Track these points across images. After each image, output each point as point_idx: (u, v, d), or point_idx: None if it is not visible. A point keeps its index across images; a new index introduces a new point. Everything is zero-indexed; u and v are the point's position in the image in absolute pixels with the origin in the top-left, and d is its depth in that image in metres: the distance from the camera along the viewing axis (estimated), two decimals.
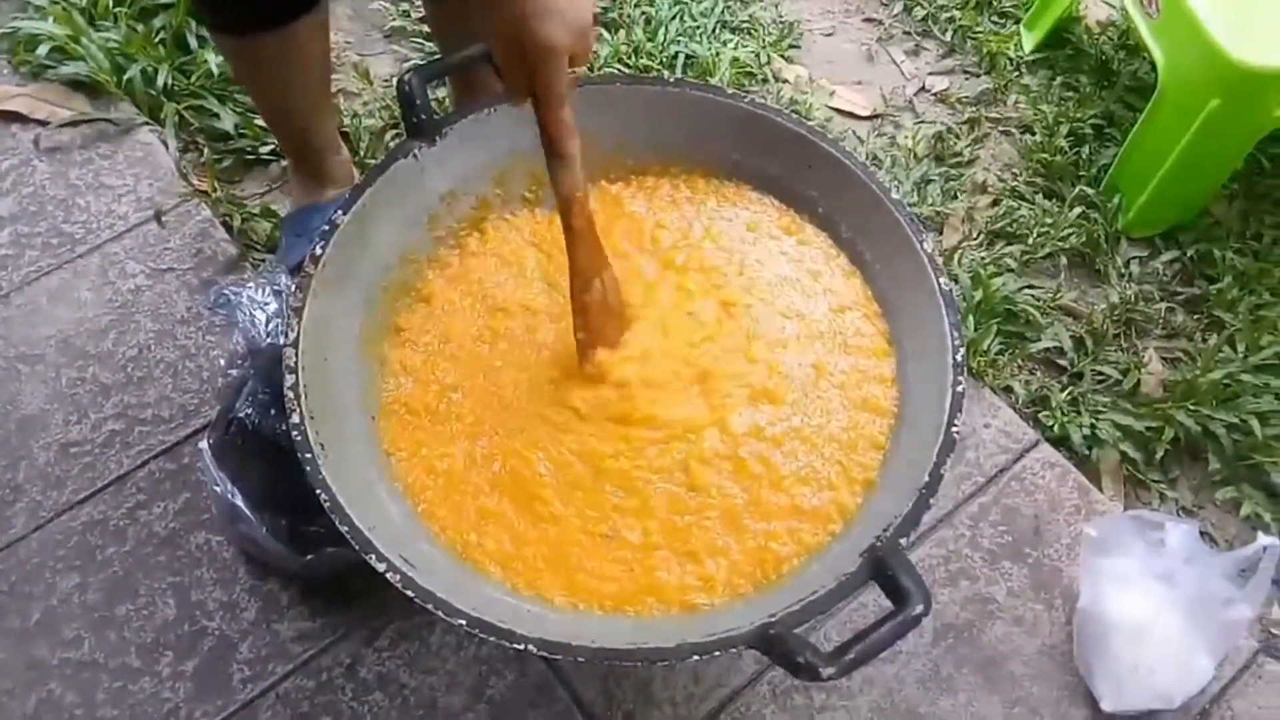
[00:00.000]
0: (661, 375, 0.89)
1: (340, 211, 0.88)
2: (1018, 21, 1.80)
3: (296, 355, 0.81)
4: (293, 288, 0.84)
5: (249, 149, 1.49)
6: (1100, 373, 1.38)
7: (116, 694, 1.07)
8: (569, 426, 0.87)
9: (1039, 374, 1.39)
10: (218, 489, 1.09)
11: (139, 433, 1.24)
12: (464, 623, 0.71)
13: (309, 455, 0.76)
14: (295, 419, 0.78)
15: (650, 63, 1.64)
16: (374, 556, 0.73)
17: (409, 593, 0.72)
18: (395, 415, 0.87)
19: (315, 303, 0.84)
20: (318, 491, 0.75)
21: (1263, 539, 1.08)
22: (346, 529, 0.74)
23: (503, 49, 0.74)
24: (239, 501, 1.08)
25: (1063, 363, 1.40)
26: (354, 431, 0.84)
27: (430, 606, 0.71)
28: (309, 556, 1.07)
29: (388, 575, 0.72)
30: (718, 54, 1.65)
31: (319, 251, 0.85)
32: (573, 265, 0.88)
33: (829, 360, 0.92)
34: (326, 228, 0.87)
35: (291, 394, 0.79)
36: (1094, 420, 1.32)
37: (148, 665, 1.09)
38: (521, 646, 0.70)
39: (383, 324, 0.92)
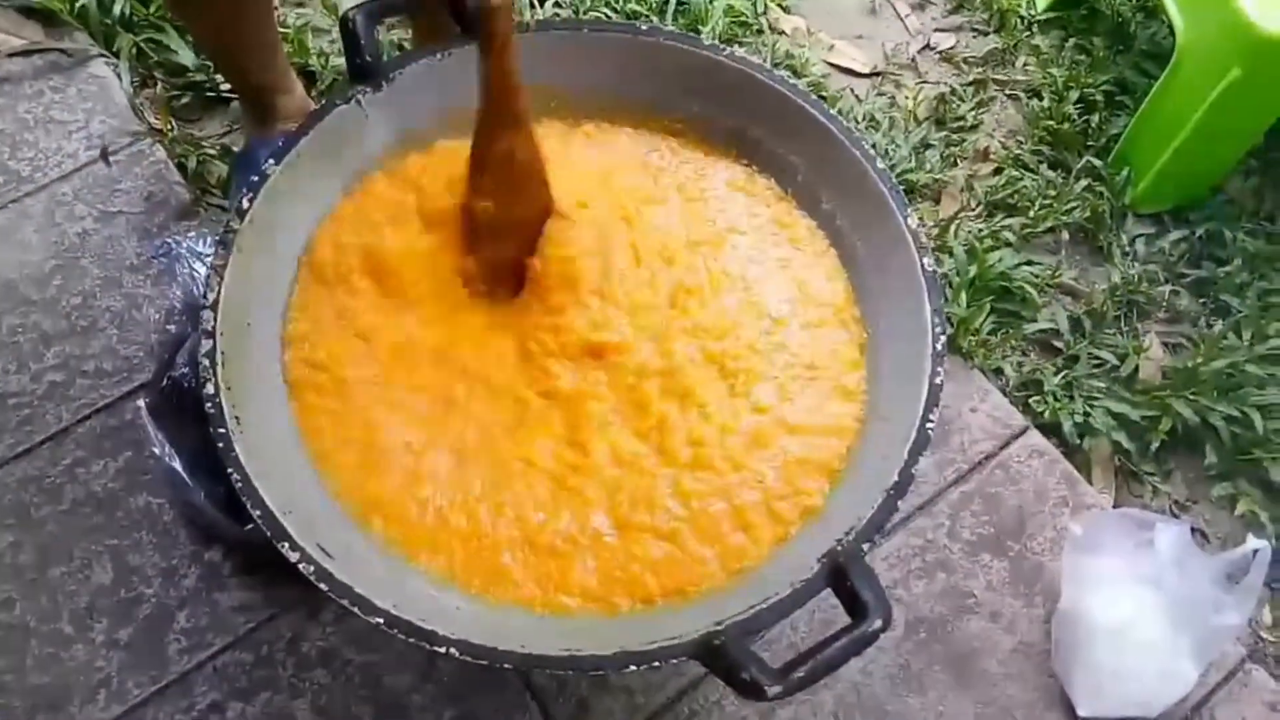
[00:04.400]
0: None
1: (272, 161, 0.81)
2: None
3: (215, 319, 0.74)
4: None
5: (208, 85, 1.41)
6: (1097, 357, 1.31)
7: (47, 660, 1.02)
8: (494, 395, 0.82)
9: (1032, 356, 1.32)
10: (156, 451, 1.03)
11: (80, 385, 1.18)
12: (381, 621, 0.65)
13: (222, 430, 0.70)
14: (209, 389, 0.71)
15: (639, 8, 1.54)
16: (287, 545, 0.67)
17: (323, 586, 0.66)
18: (316, 387, 0.80)
19: (239, 261, 0.77)
20: (229, 470, 0.69)
21: (1253, 541, 1.02)
22: (259, 513, 0.68)
23: None
24: (177, 465, 1.03)
25: (1058, 345, 1.33)
26: (276, 405, 0.77)
27: (346, 602, 0.65)
28: (249, 527, 1.02)
29: (300, 566, 0.66)
30: (711, 1, 1.56)
31: (245, 205, 0.78)
32: (480, 115, 0.80)
33: (787, 372, 0.85)
34: (255, 179, 0.79)
35: (207, 361, 0.72)
36: (1088, 407, 1.25)
37: (80, 632, 1.04)
38: (443, 650, 0.64)
39: (313, 285, 0.85)
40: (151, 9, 1.44)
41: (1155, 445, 1.24)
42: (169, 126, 1.36)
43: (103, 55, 1.43)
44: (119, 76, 1.41)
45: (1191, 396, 1.25)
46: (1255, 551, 1.01)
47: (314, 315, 0.83)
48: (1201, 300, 1.39)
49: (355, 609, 0.65)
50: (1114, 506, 1.20)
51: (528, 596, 0.74)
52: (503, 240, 0.87)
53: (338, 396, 0.80)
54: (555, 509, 0.78)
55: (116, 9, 1.43)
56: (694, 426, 0.81)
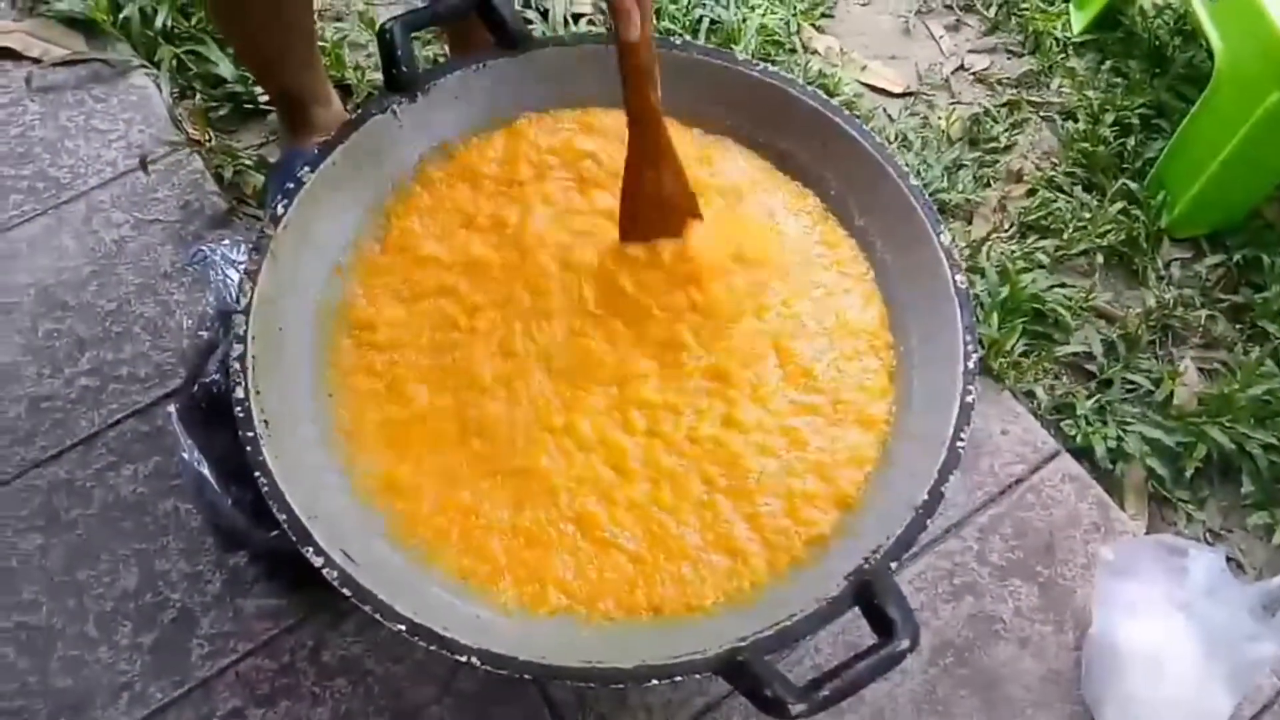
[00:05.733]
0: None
1: (308, 168, 0.81)
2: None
3: (247, 323, 0.75)
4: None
5: (246, 97, 1.43)
6: (1131, 381, 1.29)
7: (71, 663, 1.03)
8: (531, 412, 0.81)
9: (1065, 379, 1.30)
10: (185, 456, 1.04)
11: (113, 390, 1.19)
12: (403, 628, 0.65)
13: (250, 434, 0.70)
14: (239, 393, 0.72)
15: (673, 26, 1.55)
16: (311, 550, 0.67)
17: (346, 591, 0.66)
18: (352, 393, 0.81)
19: (273, 266, 0.78)
20: (256, 474, 0.69)
21: None
22: (284, 517, 0.68)
23: None
24: (205, 471, 1.03)
25: (1091, 368, 1.31)
26: (305, 409, 0.78)
27: (368, 608, 0.65)
28: (274, 533, 1.02)
29: (324, 571, 0.66)
30: (744, 20, 1.57)
31: (280, 211, 0.79)
32: (629, 154, 0.83)
33: (814, 420, 0.84)
34: (291, 185, 0.80)
35: (238, 364, 0.73)
36: (1121, 432, 1.23)
37: (105, 635, 1.05)
38: (464, 658, 0.64)
39: (347, 292, 0.85)
40: (193, 21, 1.47)
41: (1190, 472, 1.22)
42: (207, 137, 1.38)
43: (144, 66, 1.45)
44: (159, 87, 1.43)
45: (1228, 424, 1.23)
46: None
47: (361, 320, 0.84)
48: (1238, 326, 1.36)
49: (377, 615, 0.65)
50: (1146, 533, 1.18)
51: (551, 606, 0.73)
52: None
53: (373, 402, 0.80)
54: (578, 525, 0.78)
55: (159, 21, 1.45)
56: (710, 484, 0.81)
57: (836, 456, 0.80)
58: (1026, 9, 1.68)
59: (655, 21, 1.55)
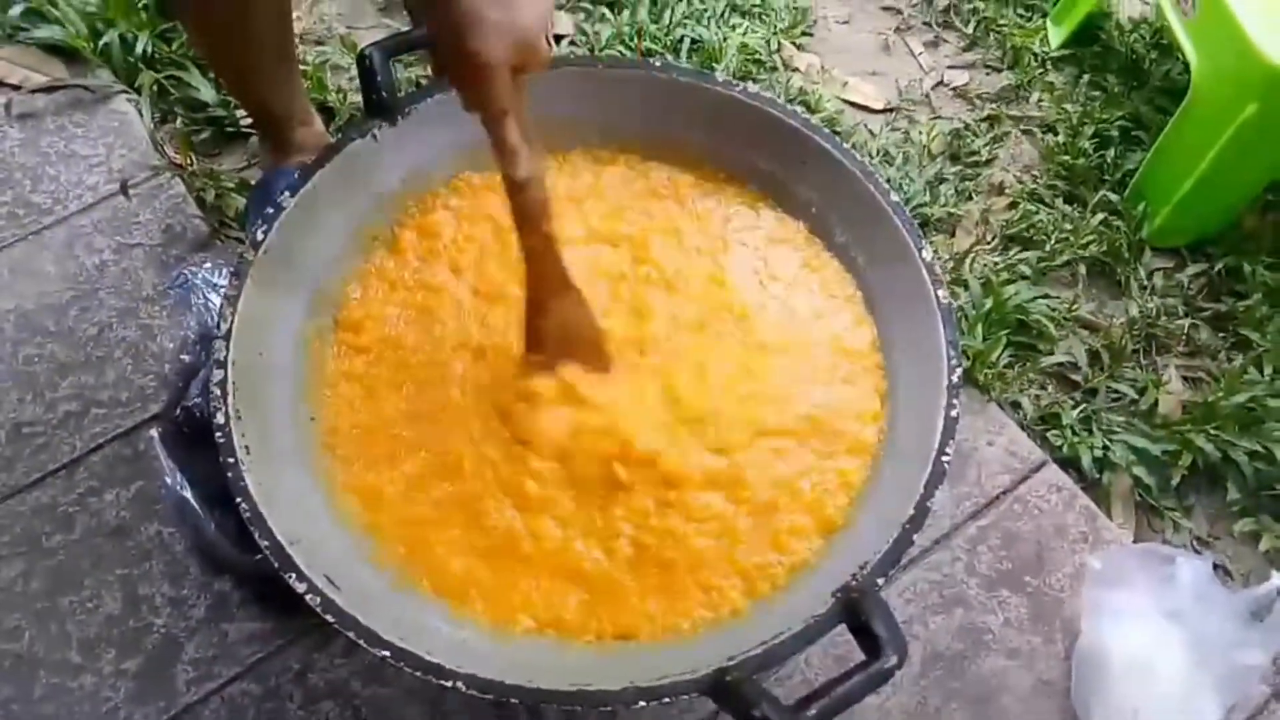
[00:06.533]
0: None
1: (288, 193, 0.81)
2: (1044, 15, 1.71)
3: (227, 349, 0.74)
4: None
5: (228, 121, 1.43)
6: (1116, 391, 1.30)
7: (54, 690, 1.02)
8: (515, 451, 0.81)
9: (1050, 389, 1.31)
10: (168, 480, 1.03)
11: (95, 415, 1.18)
12: (387, 654, 0.64)
13: (231, 460, 0.70)
14: (220, 418, 0.71)
15: (654, 46, 1.56)
16: (294, 576, 0.66)
17: (329, 617, 0.65)
18: (335, 417, 0.80)
19: (253, 291, 0.77)
20: (238, 499, 0.69)
21: (1277, 578, 1.00)
22: (266, 543, 0.67)
23: (442, 57, 0.67)
24: (188, 495, 1.03)
25: (1076, 378, 1.32)
26: (286, 435, 0.77)
27: (352, 634, 0.65)
28: (258, 557, 1.01)
29: (307, 597, 0.66)
30: (725, 39, 1.57)
31: (260, 236, 0.78)
32: (528, 286, 0.81)
33: (808, 456, 0.84)
34: (270, 210, 0.80)
35: (218, 390, 0.73)
36: (1107, 441, 1.24)
37: (89, 661, 1.03)
38: (449, 683, 0.64)
39: (328, 317, 0.85)
40: (173, 47, 1.47)
41: (1176, 480, 1.22)
42: (188, 161, 1.37)
43: (124, 92, 1.45)
44: (140, 112, 1.43)
45: (1212, 431, 1.24)
46: None
47: (342, 345, 0.83)
48: (1221, 334, 1.37)
49: (361, 641, 0.65)
50: (1134, 542, 1.18)
51: (524, 627, 0.73)
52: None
53: (361, 427, 0.80)
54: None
55: (139, 47, 1.45)
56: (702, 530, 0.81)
57: (827, 489, 0.80)
58: (1004, 25, 1.69)
59: (641, 49, 1.55)
